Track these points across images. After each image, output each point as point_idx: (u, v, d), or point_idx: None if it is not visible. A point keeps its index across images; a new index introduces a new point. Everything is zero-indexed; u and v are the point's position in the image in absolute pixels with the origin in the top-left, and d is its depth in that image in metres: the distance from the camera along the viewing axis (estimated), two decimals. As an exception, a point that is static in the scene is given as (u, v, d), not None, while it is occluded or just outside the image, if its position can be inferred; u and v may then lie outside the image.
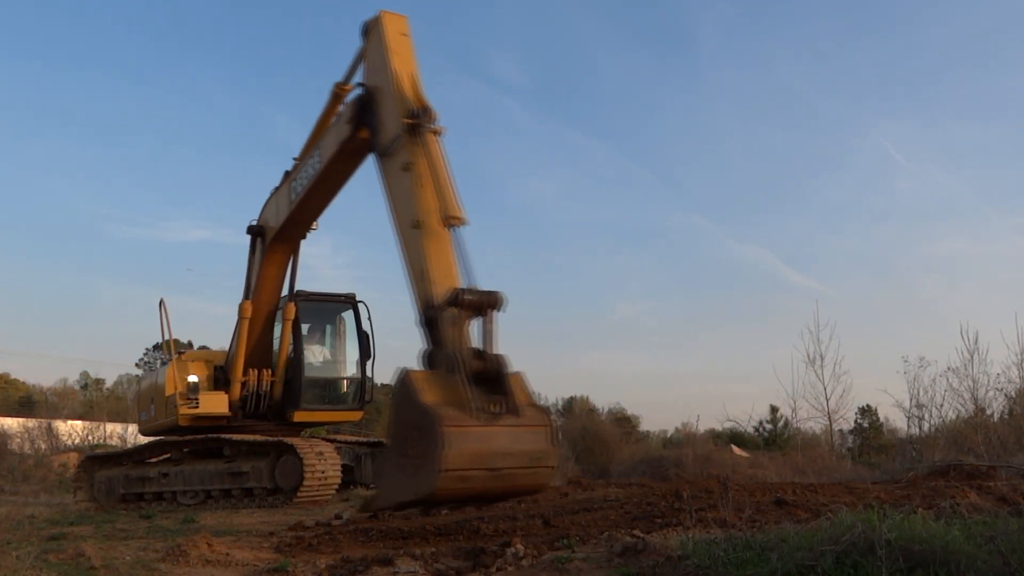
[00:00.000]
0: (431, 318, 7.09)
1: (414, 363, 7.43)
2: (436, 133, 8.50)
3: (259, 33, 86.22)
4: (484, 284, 7.50)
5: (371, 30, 9.74)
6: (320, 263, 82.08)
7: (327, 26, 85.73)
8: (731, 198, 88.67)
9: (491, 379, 6.78)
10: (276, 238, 13.00)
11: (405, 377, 6.81)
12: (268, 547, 8.58)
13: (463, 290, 7.04)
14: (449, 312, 6.98)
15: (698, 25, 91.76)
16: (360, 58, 10.40)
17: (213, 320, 77.07)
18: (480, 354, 6.84)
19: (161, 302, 14.62)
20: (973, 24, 79.49)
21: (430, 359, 7.21)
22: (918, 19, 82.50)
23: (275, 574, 7.06)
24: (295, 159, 12.50)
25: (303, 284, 14.85)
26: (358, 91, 10.23)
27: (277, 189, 12.89)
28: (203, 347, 16.20)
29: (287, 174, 12.62)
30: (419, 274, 7.66)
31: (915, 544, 5.54)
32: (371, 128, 9.69)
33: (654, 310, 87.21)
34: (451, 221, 7.67)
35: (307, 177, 11.65)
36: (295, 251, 13.80)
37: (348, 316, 15.47)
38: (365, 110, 9.81)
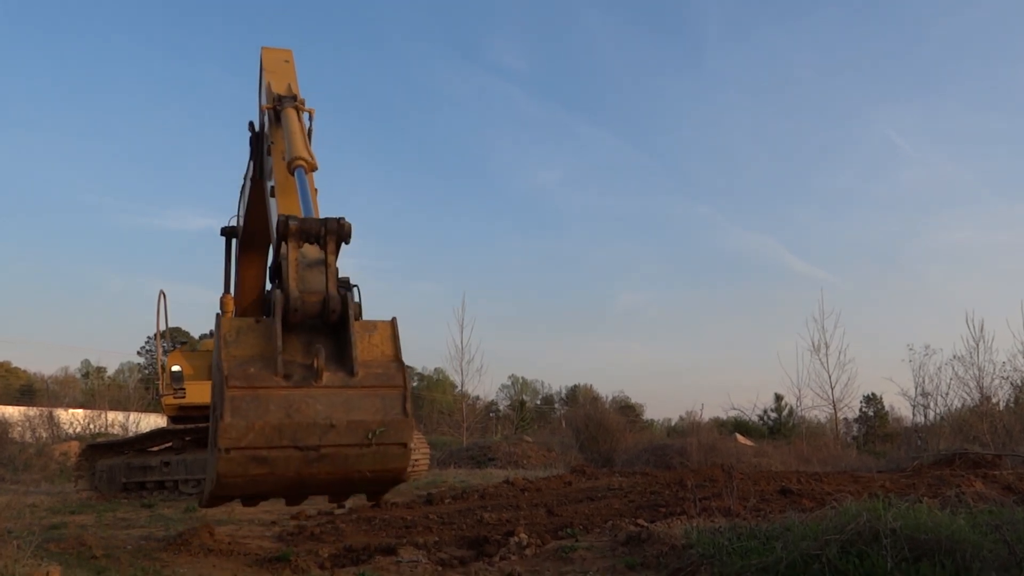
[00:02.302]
0: (276, 264, 5.55)
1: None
2: (298, 110, 7.72)
3: (262, 23, 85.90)
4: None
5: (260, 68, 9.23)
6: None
7: (330, 19, 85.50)
8: (736, 186, 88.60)
9: (334, 328, 5.20)
10: (243, 243, 12.57)
11: (216, 325, 5.25)
12: (270, 536, 8.56)
13: (289, 217, 5.46)
14: (284, 248, 5.39)
15: (702, 12, 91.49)
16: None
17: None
18: (321, 295, 5.23)
19: (161, 293, 14.53)
20: (979, 12, 79.14)
21: (264, 303, 5.68)
22: (924, 7, 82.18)
23: (277, 563, 7.02)
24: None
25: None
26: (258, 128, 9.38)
27: (241, 192, 12.10)
28: (204, 336, 16.08)
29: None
30: (271, 230, 6.40)
31: (921, 533, 5.50)
32: (254, 162, 9.22)
33: (658, 299, 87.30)
34: (295, 163, 6.58)
35: (243, 197, 11.29)
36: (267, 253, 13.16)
37: None
38: (252, 147, 9.33)
